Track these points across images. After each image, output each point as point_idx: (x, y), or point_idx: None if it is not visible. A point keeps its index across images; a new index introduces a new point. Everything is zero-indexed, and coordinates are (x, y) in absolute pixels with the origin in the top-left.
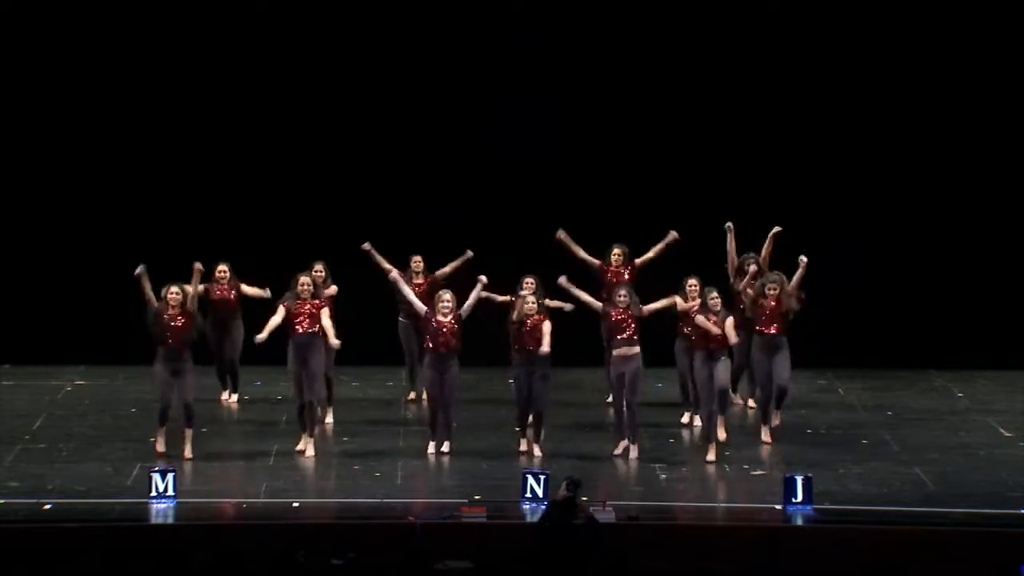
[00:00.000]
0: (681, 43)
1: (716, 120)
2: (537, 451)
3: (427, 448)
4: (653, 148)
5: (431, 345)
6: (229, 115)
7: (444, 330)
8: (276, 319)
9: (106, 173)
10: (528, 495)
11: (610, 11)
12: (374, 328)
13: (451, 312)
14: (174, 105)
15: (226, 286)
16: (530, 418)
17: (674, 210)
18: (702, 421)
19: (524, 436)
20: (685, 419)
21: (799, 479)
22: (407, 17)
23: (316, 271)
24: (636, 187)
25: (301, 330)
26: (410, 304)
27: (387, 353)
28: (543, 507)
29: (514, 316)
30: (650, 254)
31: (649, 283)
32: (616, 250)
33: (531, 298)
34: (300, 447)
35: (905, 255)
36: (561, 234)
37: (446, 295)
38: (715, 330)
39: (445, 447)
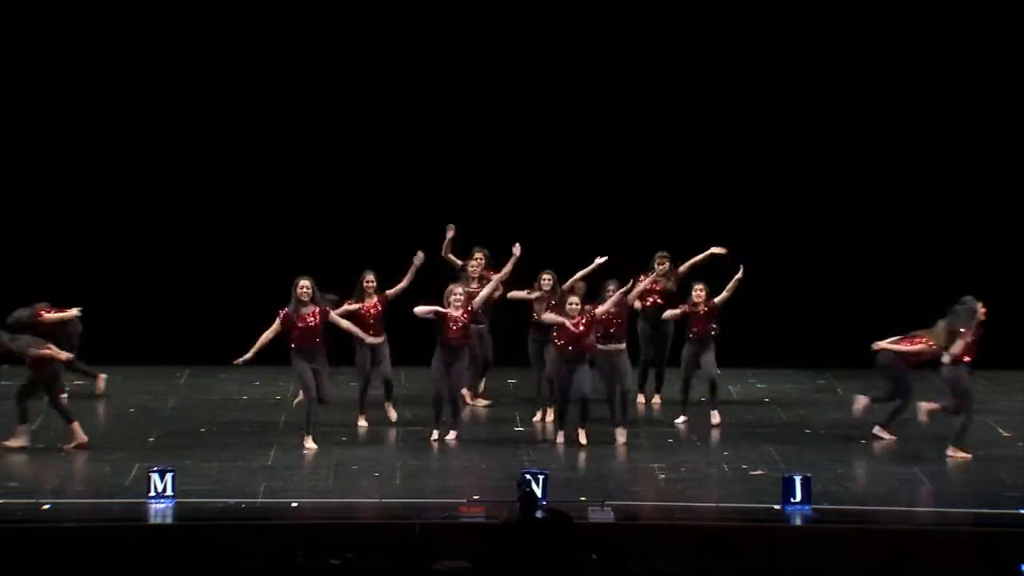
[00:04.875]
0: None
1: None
2: (583, 439)
3: (431, 435)
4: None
5: (444, 338)
6: (232, 118)
7: (456, 325)
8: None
9: (106, 174)
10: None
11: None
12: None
13: (463, 306)
14: (177, 107)
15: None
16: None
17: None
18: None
19: (562, 429)
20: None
21: (798, 479)
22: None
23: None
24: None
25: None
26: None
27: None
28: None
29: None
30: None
31: None
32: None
33: (574, 299)
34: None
35: (904, 255)
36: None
37: (458, 288)
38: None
39: (452, 435)
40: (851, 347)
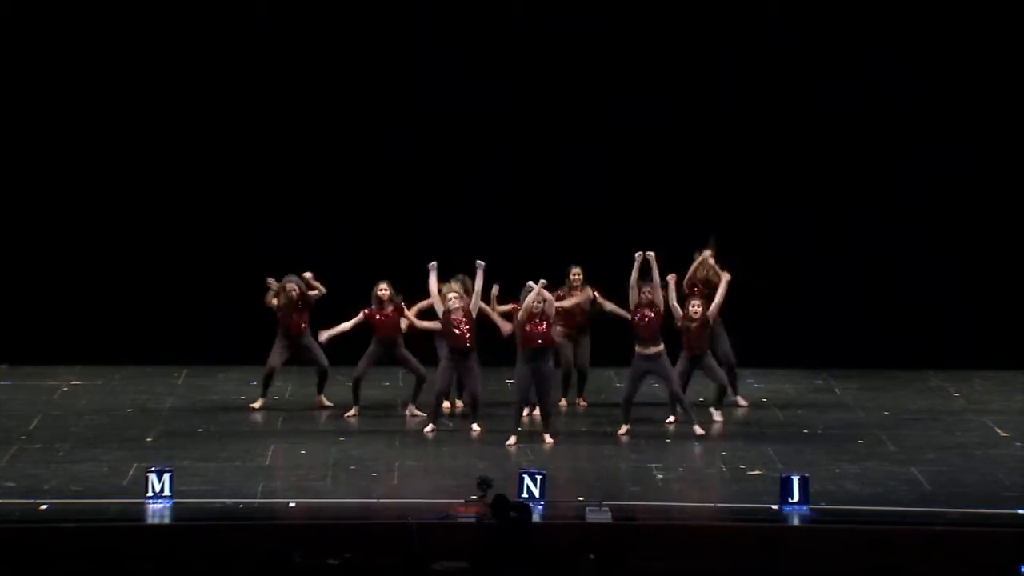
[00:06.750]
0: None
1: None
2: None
3: (426, 428)
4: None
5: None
6: (228, 119)
7: (461, 326)
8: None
9: (103, 173)
10: (524, 495)
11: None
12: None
13: (461, 306)
14: (172, 106)
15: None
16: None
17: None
18: None
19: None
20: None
21: (795, 479)
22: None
23: (381, 289)
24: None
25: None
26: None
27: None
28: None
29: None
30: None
31: None
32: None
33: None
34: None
35: (902, 254)
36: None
37: (455, 284)
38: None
39: (476, 426)
40: (850, 347)
